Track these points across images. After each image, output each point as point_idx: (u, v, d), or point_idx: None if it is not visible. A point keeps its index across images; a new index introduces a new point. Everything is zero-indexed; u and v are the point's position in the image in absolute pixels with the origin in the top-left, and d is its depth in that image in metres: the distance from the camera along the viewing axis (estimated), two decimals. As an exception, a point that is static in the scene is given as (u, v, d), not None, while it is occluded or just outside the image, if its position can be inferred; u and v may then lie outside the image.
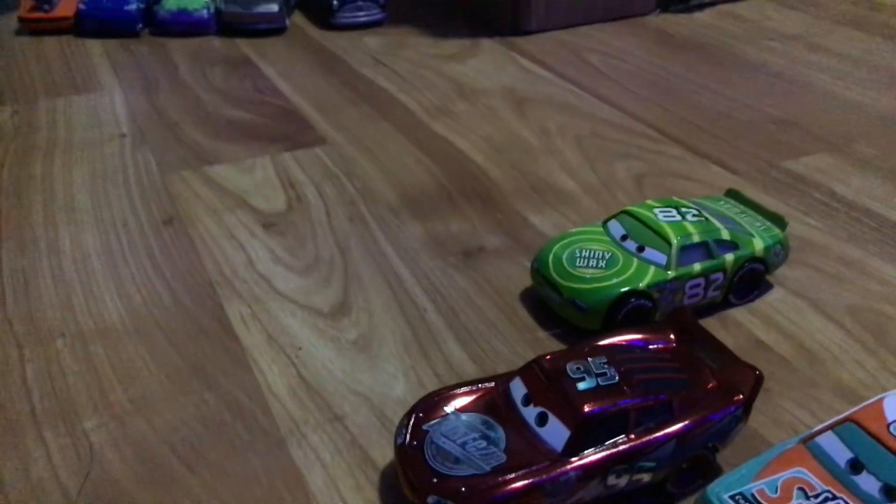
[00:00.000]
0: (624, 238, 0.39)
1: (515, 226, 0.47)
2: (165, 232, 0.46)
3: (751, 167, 0.53)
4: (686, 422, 0.29)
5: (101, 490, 0.30)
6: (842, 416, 0.29)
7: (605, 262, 0.38)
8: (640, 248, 0.38)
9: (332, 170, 0.54)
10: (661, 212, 0.40)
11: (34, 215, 0.48)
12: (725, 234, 0.39)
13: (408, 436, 0.29)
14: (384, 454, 0.32)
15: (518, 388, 0.30)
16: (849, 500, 0.27)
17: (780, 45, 0.75)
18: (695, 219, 0.39)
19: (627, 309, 0.37)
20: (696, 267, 0.38)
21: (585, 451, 0.28)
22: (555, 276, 0.38)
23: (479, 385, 0.31)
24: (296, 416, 0.34)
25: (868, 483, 0.27)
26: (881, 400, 0.29)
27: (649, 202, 0.41)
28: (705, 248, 0.38)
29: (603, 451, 0.28)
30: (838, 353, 0.37)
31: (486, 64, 0.72)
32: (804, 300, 0.40)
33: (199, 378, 0.36)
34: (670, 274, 0.37)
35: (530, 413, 0.29)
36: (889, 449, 0.27)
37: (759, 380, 0.30)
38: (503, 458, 0.28)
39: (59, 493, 0.30)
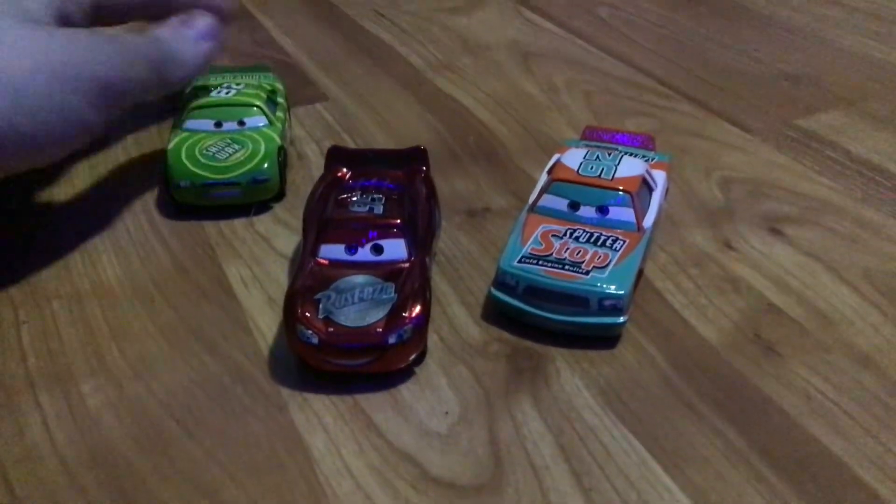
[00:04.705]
0: (218, 125, 0.44)
1: (522, 185, 0.45)
2: (163, 191, 0.45)
3: (764, 124, 0.52)
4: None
5: (98, 454, 0.30)
6: (543, 182, 0.39)
7: (232, 147, 0.43)
8: (241, 123, 0.45)
9: (333, 126, 0.52)
10: (216, 91, 0.46)
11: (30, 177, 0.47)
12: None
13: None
14: (387, 418, 0.31)
15: (334, 251, 0.34)
16: (583, 228, 0.36)
17: (795, -3, 0.72)
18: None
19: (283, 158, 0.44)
20: (280, 114, 0.47)
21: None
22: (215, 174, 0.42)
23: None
24: (297, 379, 0.33)
25: (587, 211, 0.36)
26: (559, 160, 0.39)
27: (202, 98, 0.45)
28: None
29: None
30: (853, 317, 0.36)
31: (491, 17, 0.70)
32: (818, 262, 0.39)
33: (199, 341, 0.35)
34: (278, 124, 0.45)
35: (364, 254, 0.34)
36: (585, 184, 0.37)
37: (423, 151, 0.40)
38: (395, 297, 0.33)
39: (55, 458, 0.30)
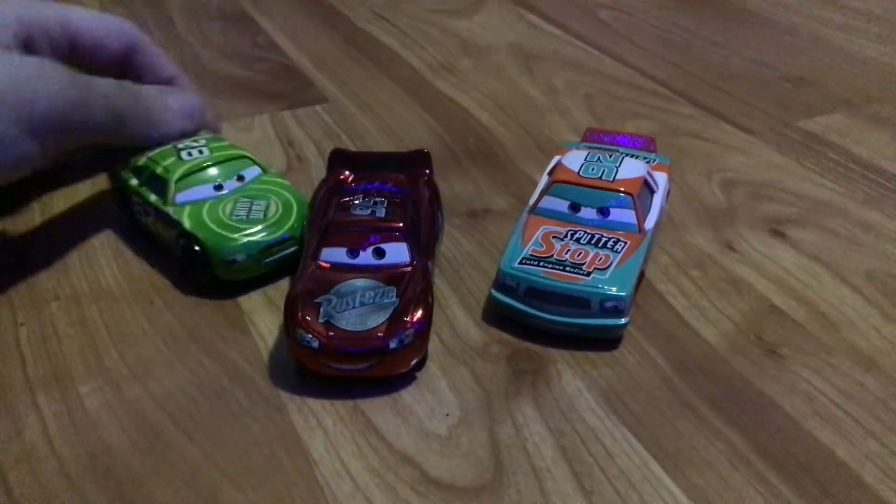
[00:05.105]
0: (219, 188, 0.39)
1: (522, 186, 0.45)
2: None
3: (765, 126, 0.52)
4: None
5: (97, 456, 0.30)
6: (544, 184, 0.38)
7: (258, 203, 0.39)
8: (240, 178, 0.40)
9: (332, 129, 0.52)
10: (185, 154, 0.40)
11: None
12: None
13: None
14: (386, 420, 0.31)
15: (336, 254, 0.34)
16: (584, 229, 0.36)
17: (796, 0, 0.72)
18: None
19: None
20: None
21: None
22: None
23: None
24: (296, 381, 0.33)
25: (588, 213, 0.36)
26: (559, 161, 0.39)
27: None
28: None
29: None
30: (855, 319, 0.36)
31: (491, 19, 0.70)
32: (820, 264, 0.39)
33: (197, 342, 0.35)
34: (271, 169, 0.42)
35: (366, 257, 0.34)
36: (586, 186, 0.36)
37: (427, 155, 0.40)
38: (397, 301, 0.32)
39: (54, 459, 0.29)
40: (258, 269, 0.37)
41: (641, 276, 0.36)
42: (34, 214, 0.44)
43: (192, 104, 0.42)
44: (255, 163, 0.41)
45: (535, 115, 0.53)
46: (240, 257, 0.36)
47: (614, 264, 0.34)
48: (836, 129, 0.51)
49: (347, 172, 0.39)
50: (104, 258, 0.40)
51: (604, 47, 0.63)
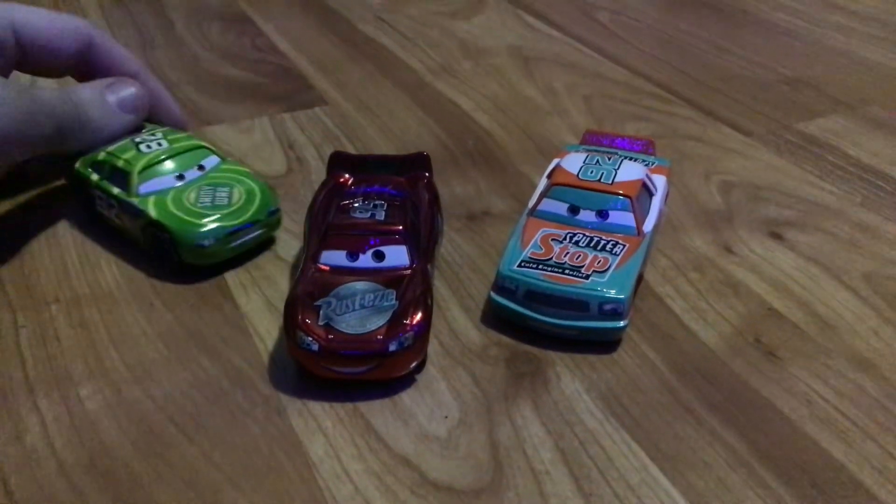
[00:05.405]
0: (180, 177, 0.40)
1: (521, 189, 0.45)
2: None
3: (763, 129, 0.52)
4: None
5: (97, 458, 0.30)
6: (543, 186, 0.39)
7: (221, 190, 0.40)
8: (201, 168, 0.41)
9: (332, 131, 0.52)
10: (145, 147, 0.41)
11: (29, 178, 0.47)
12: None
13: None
14: (386, 422, 0.31)
15: (336, 257, 0.34)
16: (583, 232, 0.36)
17: (794, 2, 0.72)
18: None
19: None
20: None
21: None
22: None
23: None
24: (296, 384, 0.33)
25: (587, 215, 0.36)
26: (559, 164, 0.39)
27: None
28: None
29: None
30: (853, 321, 0.36)
31: (491, 21, 0.70)
32: (818, 266, 0.39)
33: (197, 345, 0.35)
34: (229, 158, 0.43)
35: (366, 260, 0.34)
36: (585, 188, 0.37)
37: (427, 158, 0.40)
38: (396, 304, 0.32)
39: (54, 461, 0.30)
40: (225, 254, 0.39)
41: (640, 278, 0.36)
42: (34, 215, 0.44)
43: (133, 97, 0.41)
44: (213, 152, 0.42)
45: (535, 118, 0.53)
46: (207, 242, 0.38)
47: (613, 267, 0.34)
48: (835, 132, 0.51)
49: (347, 175, 0.39)
50: (104, 260, 0.40)
51: (603, 49, 0.64)
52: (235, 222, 0.38)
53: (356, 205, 0.36)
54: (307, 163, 0.49)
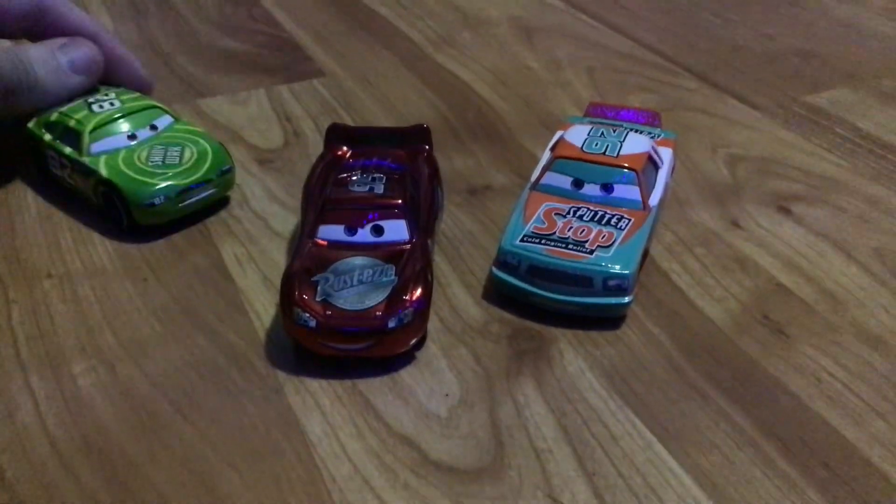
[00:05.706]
0: (132, 137, 0.41)
1: (524, 162, 0.44)
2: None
3: (771, 101, 0.51)
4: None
5: (90, 437, 0.29)
6: (546, 159, 0.38)
7: (173, 149, 0.40)
8: (153, 127, 0.41)
9: (330, 103, 0.51)
10: (97, 106, 0.41)
11: (19, 153, 0.46)
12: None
13: None
14: (385, 401, 0.30)
15: (333, 232, 0.33)
16: (587, 206, 0.35)
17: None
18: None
19: None
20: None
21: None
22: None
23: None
24: (294, 361, 0.32)
25: (591, 189, 0.35)
26: (562, 136, 0.38)
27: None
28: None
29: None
30: (862, 297, 0.35)
31: (492, -9, 0.68)
32: (827, 241, 0.38)
33: (192, 321, 0.34)
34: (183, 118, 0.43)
35: (364, 235, 0.33)
36: (590, 161, 0.36)
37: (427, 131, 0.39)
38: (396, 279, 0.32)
39: (47, 441, 0.29)
40: (176, 213, 0.39)
41: (645, 253, 0.35)
42: (25, 190, 0.43)
43: (86, 58, 0.41)
44: (166, 112, 0.42)
45: (537, 89, 0.52)
46: (157, 201, 0.38)
47: (618, 242, 0.33)
48: (844, 104, 0.50)
49: (345, 148, 0.38)
50: (97, 235, 0.39)
51: (607, 20, 0.62)
52: (186, 181, 0.38)
53: (354, 178, 0.35)
54: (304, 135, 0.48)
